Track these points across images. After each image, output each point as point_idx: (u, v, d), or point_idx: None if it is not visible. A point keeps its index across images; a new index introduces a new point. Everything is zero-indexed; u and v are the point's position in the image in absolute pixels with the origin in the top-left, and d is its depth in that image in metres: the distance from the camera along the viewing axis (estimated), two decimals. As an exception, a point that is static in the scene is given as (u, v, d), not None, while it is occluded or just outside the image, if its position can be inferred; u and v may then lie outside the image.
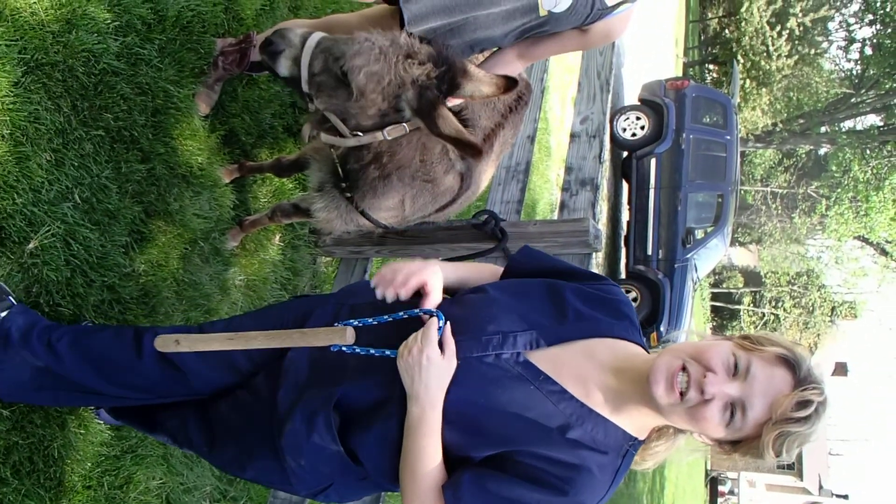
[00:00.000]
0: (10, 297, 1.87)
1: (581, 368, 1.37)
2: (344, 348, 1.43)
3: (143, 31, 2.34)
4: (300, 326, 1.61)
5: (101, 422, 2.16)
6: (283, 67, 1.87)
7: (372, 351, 1.43)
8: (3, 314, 1.81)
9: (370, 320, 1.48)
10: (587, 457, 1.31)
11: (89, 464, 2.13)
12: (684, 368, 1.29)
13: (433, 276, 1.46)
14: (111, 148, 2.24)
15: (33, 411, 1.97)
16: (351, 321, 1.48)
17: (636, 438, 1.39)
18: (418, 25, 2.12)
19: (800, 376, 1.26)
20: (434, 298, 1.44)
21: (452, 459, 1.38)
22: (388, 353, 1.41)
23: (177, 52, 2.48)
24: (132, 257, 2.30)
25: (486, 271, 1.68)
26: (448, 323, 1.39)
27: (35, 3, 2.00)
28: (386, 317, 1.48)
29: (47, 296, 2.01)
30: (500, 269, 1.70)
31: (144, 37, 2.35)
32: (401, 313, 1.47)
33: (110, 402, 1.90)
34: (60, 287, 2.04)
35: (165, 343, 1.50)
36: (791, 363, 1.27)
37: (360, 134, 1.93)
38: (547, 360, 1.38)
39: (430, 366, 1.33)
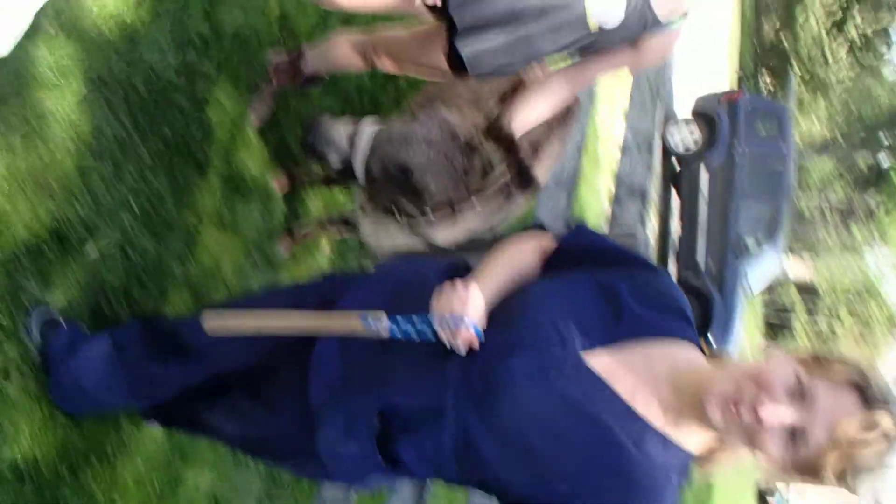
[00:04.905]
0: (62, 323, 1.92)
1: (639, 377, 1.27)
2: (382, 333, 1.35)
3: (201, 48, 2.43)
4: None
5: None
6: (332, 163, 1.89)
7: (413, 335, 1.34)
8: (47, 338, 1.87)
9: (409, 329, 1.35)
10: (648, 472, 1.25)
11: (141, 463, 2.21)
12: (741, 391, 1.18)
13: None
14: (168, 160, 2.33)
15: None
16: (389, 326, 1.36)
17: (692, 455, 1.30)
18: (469, 43, 2.11)
19: (868, 396, 1.14)
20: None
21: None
22: (429, 336, 1.32)
23: (233, 68, 2.57)
24: (186, 265, 2.38)
25: (525, 268, 1.53)
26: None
27: (102, 23, 2.10)
28: (420, 333, 1.36)
29: (106, 302, 2.10)
30: (536, 244, 1.56)
31: (203, 53, 2.44)
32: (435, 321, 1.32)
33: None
34: (118, 294, 2.13)
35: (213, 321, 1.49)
36: (860, 385, 1.15)
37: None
38: (603, 364, 1.28)
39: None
